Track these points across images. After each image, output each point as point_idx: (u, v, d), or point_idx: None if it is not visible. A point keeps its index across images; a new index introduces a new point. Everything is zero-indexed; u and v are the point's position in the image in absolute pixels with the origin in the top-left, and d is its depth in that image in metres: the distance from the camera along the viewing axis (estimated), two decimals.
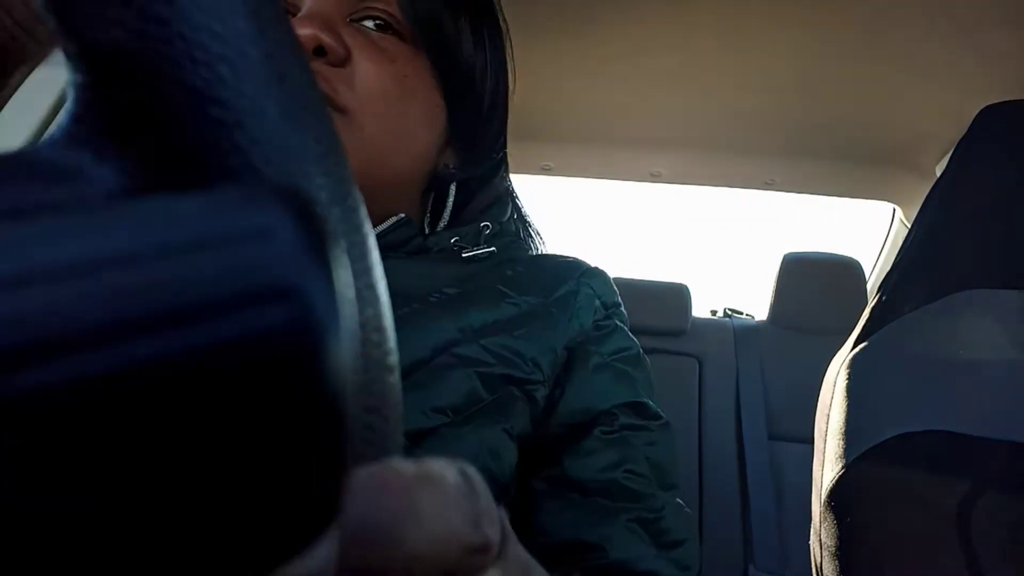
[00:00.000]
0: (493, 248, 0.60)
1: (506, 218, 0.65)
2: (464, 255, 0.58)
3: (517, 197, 0.70)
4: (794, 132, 1.64)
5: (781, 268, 2.14)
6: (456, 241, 0.59)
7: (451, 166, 0.60)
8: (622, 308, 0.62)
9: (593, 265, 0.63)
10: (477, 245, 0.59)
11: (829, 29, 1.17)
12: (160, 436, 0.11)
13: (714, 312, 2.38)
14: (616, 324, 0.60)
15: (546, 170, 2.01)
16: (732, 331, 2.16)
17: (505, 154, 0.65)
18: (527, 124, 1.74)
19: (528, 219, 0.70)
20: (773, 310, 2.16)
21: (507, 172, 0.67)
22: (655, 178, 2.00)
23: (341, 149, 0.17)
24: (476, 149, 0.61)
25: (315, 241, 0.13)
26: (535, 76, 1.46)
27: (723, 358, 2.10)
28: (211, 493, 0.12)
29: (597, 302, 0.59)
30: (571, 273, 0.59)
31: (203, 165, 0.15)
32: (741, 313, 2.34)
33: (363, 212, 0.17)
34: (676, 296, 2.15)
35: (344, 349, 0.12)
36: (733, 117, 1.58)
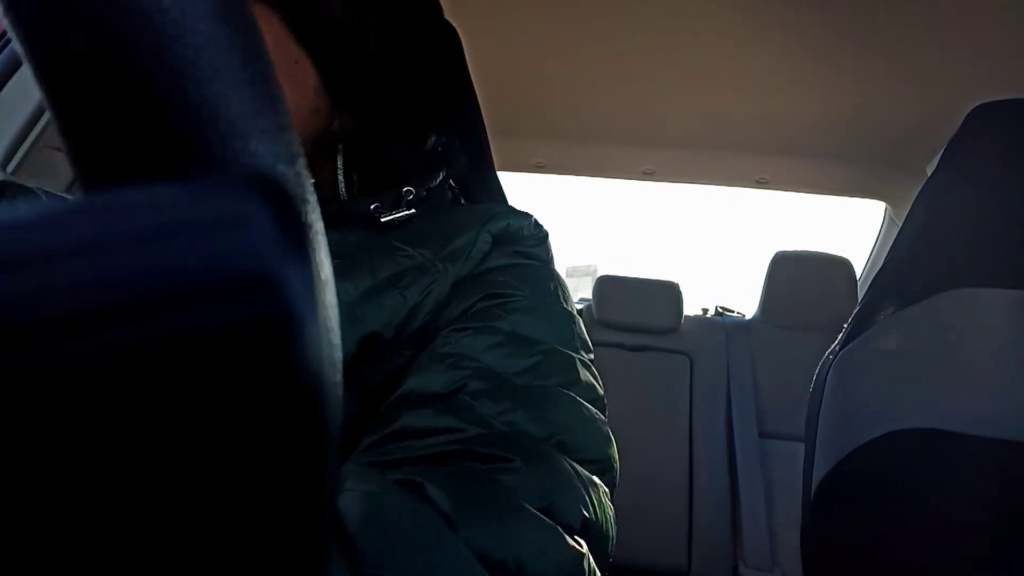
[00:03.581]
0: (413, 211, 0.58)
1: (436, 182, 0.63)
2: (383, 219, 0.57)
3: (459, 162, 0.67)
4: (786, 131, 1.65)
5: (771, 266, 2.16)
6: (376, 207, 0.57)
7: (347, 127, 0.58)
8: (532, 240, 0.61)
9: (513, 208, 0.61)
10: (398, 210, 0.58)
11: (821, 29, 1.17)
12: (134, 424, 0.11)
13: (705, 310, 2.39)
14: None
15: (539, 168, 2.01)
16: (723, 329, 2.17)
17: (422, 118, 0.62)
18: (520, 122, 1.74)
19: (468, 184, 0.68)
20: (763, 308, 2.17)
21: (447, 137, 0.64)
22: (648, 176, 2.00)
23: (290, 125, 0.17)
24: (370, 109, 0.59)
25: (292, 230, 0.12)
26: (528, 74, 1.46)
27: (714, 356, 2.11)
28: (189, 479, 0.12)
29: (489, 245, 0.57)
30: (475, 221, 0.58)
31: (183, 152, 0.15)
32: (732, 311, 2.35)
33: (311, 192, 0.17)
34: (667, 294, 2.16)
35: (322, 337, 0.12)
36: (725, 115, 1.59)
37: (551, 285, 0.57)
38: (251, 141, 0.16)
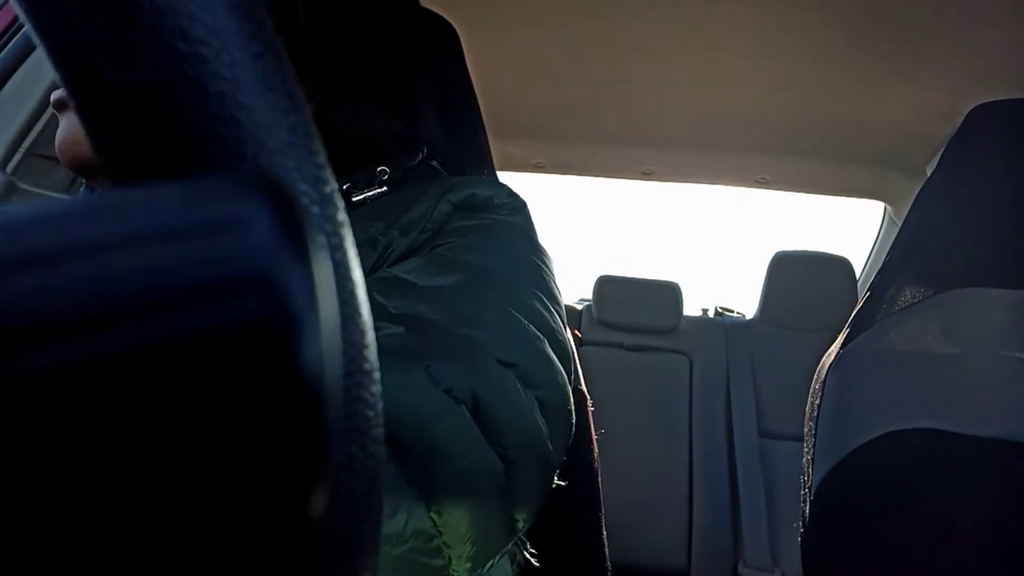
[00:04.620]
0: (384, 189, 0.58)
1: (414, 163, 0.62)
2: (353, 199, 0.56)
3: (442, 148, 0.67)
4: (786, 131, 1.65)
5: (771, 266, 2.15)
6: (349, 187, 0.57)
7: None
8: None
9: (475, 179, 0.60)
10: (370, 189, 0.58)
11: (821, 29, 1.17)
12: (133, 425, 0.11)
13: (704, 311, 2.39)
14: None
15: (539, 168, 2.01)
16: (722, 329, 2.17)
17: (390, 98, 0.62)
18: (519, 122, 1.74)
19: (455, 164, 0.67)
20: (763, 308, 2.17)
21: (417, 119, 0.64)
22: (647, 176, 2.00)
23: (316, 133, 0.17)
24: (319, 87, 0.58)
25: (293, 231, 0.12)
26: (528, 74, 1.46)
27: (713, 356, 2.11)
28: (188, 479, 0.12)
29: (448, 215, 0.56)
30: (436, 192, 0.57)
31: (195, 155, 0.15)
32: (732, 311, 2.35)
33: (339, 203, 0.17)
34: (667, 294, 2.16)
35: (323, 341, 0.12)
36: (725, 115, 1.59)
37: (517, 240, 0.56)
38: (273, 142, 0.15)
